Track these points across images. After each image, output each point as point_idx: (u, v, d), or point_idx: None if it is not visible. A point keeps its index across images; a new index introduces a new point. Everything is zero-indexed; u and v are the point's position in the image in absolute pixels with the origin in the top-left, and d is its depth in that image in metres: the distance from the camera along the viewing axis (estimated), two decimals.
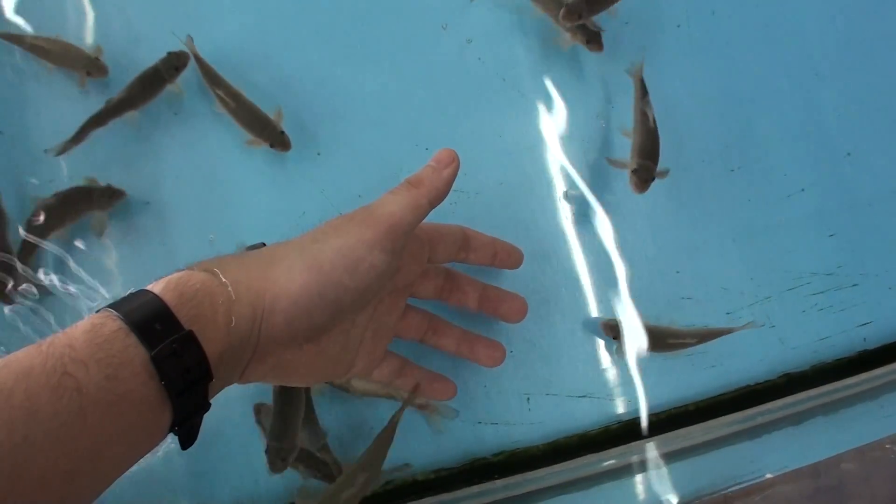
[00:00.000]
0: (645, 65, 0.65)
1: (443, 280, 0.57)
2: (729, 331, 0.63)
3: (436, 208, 0.60)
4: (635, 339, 0.62)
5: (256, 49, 0.65)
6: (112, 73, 0.62)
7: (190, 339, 0.38)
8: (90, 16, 0.65)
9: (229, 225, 0.62)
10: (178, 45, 0.61)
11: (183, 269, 0.41)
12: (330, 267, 0.44)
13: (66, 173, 0.62)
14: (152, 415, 0.37)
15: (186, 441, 0.41)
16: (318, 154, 0.57)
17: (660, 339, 0.63)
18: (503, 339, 0.59)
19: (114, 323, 0.37)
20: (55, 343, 0.35)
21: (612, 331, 0.62)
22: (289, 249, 0.46)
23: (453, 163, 0.51)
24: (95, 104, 0.61)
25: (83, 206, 0.61)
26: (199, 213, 0.63)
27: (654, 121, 0.61)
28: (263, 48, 0.65)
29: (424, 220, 0.50)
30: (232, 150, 0.63)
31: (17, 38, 0.63)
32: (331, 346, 0.48)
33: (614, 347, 0.62)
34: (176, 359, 0.37)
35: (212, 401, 0.42)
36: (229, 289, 0.41)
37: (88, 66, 0.62)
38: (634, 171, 0.59)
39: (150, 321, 0.37)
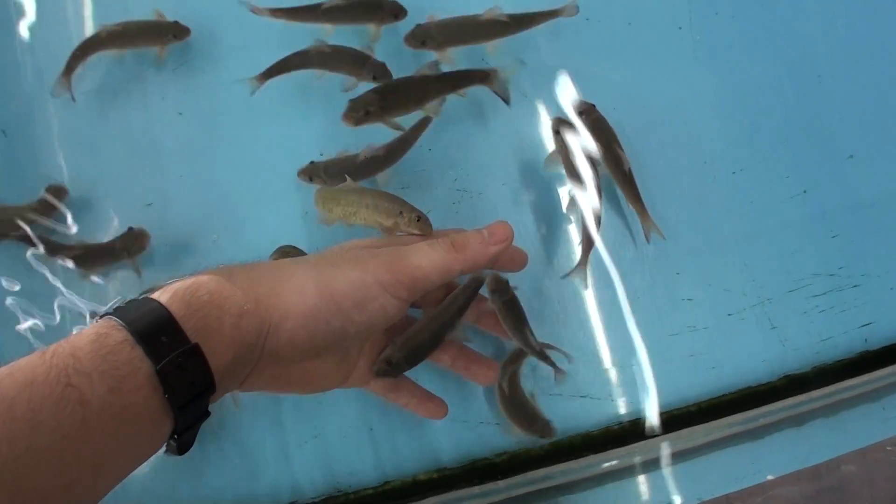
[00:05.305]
0: (649, 66, 0.65)
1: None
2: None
3: (439, 209, 0.60)
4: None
5: (241, 45, 0.65)
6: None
7: (195, 353, 0.38)
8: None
9: (232, 225, 0.62)
10: None
11: (190, 277, 0.41)
12: (342, 297, 0.44)
13: (66, 171, 0.62)
14: (154, 426, 0.37)
15: (184, 448, 0.41)
16: (321, 154, 0.57)
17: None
18: (506, 339, 0.59)
19: (119, 333, 0.36)
20: (59, 353, 0.35)
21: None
22: (303, 268, 0.46)
23: (505, 242, 0.50)
24: (93, 104, 0.61)
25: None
26: (202, 214, 0.63)
27: None
28: (254, 46, 0.65)
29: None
30: (236, 150, 0.63)
31: None
32: (329, 361, 0.49)
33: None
34: (181, 372, 0.37)
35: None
36: (240, 301, 0.41)
37: None
38: None
39: (156, 333, 0.37)
